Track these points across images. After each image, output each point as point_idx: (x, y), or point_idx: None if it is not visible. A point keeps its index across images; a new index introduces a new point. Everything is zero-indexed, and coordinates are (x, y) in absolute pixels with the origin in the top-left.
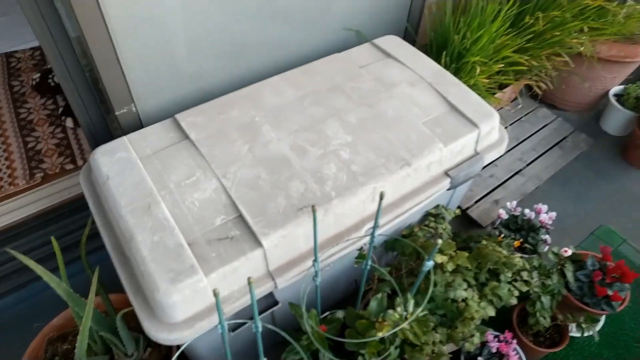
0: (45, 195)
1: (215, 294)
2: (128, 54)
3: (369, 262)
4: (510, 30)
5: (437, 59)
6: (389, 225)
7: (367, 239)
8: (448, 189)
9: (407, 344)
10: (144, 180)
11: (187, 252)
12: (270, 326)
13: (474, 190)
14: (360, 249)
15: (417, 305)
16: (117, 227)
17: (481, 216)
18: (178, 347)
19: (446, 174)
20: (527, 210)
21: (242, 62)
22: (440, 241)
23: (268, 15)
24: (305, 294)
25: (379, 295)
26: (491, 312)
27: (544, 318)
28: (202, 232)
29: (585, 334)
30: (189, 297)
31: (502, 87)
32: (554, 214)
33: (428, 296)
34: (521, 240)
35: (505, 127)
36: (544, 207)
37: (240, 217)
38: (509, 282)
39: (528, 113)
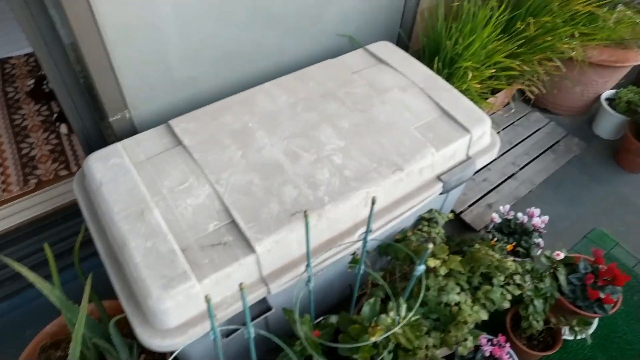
0: (39, 202)
1: (207, 300)
2: (122, 61)
3: (362, 267)
4: (501, 35)
5: (430, 65)
6: (382, 229)
7: (361, 243)
8: (441, 194)
9: (400, 349)
10: (137, 186)
11: (180, 258)
12: (262, 332)
13: (467, 194)
14: (354, 253)
15: (409, 309)
16: (110, 233)
17: (475, 220)
18: (171, 353)
19: (438, 178)
20: (520, 214)
21: (235, 68)
22: (431, 245)
23: (261, 21)
24: (299, 299)
25: (372, 300)
26: (484, 315)
27: (537, 321)
28: (195, 238)
29: (578, 337)
30: (181, 303)
31: (494, 91)
32: (546, 218)
33: (419, 300)
34: (514, 244)
35: (498, 132)
36: (537, 211)
37: (233, 222)
38: (502, 286)
39: (521, 117)
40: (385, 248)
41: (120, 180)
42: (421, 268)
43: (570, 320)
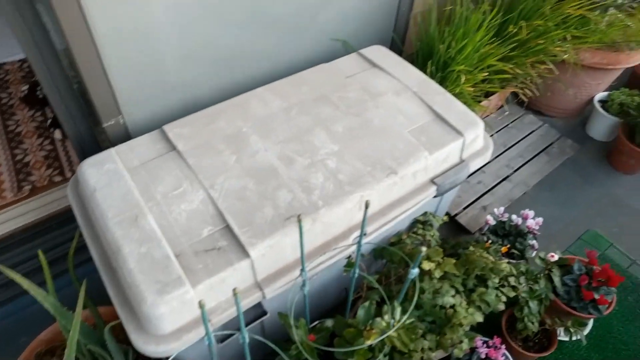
0: (33, 208)
1: (201, 306)
2: (115, 66)
3: (357, 271)
4: (494, 39)
5: (423, 68)
6: (376, 233)
7: (355, 247)
8: (435, 197)
9: (396, 352)
10: (131, 192)
11: (174, 263)
12: (257, 337)
13: (462, 197)
14: (349, 257)
15: (404, 312)
16: (104, 239)
17: (470, 222)
18: (167, 359)
19: (432, 181)
20: (514, 216)
21: (229, 73)
22: (424, 249)
23: (255, 26)
24: (294, 303)
25: (367, 304)
26: (479, 318)
27: (532, 323)
28: (189, 243)
29: (574, 338)
30: (176, 309)
31: (488, 95)
32: (540, 220)
33: (413, 303)
34: (509, 246)
35: (491, 135)
36: (531, 213)
37: (228, 227)
38: (497, 288)
39: (515, 120)
40: (380, 251)
41: (114, 186)
42: (415, 271)
43: (566, 322)
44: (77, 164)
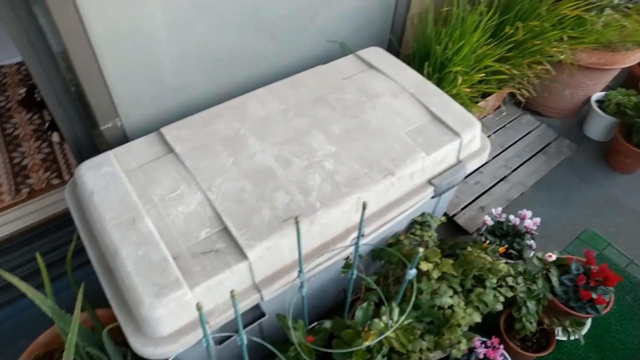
0: (31, 211)
1: (199, 308)
2: (112, 69)
3: (355, 272)
4: (491, 40)
5: (420, 70)
6: (374, 234)
7: (353, 248)
8: (432, 197)
9: (394, 352)
10: (129, 195)
11: (172, 265)
12: (255, 338)
13: (460, 197)
14: (347, 258)
15: (402, 313)
16: (102, 241)
17: (468, 223)
18: None
19: (429, 182)
20: (512, 217)
21: (227, 75)
22: (421, 249)
23: (253, 28)
24: (292, 305)
25: (365, 305)
26: (477, 318)
27: (530, 323)
28: (186, 246)
29: (572, 338)
30: (174, 311)
31: (485, 95)
32: (538, 220)
33: (411, 304)
34: (506, 246)
35: (489, 136)
36: (529, 213)
37: (225, 229)
38: (494, 288)
39: (512, 120)
40: (378, 252)
41: (112, 189)
42: (412, 272)
43: (564, 321)
44: (75, 167)
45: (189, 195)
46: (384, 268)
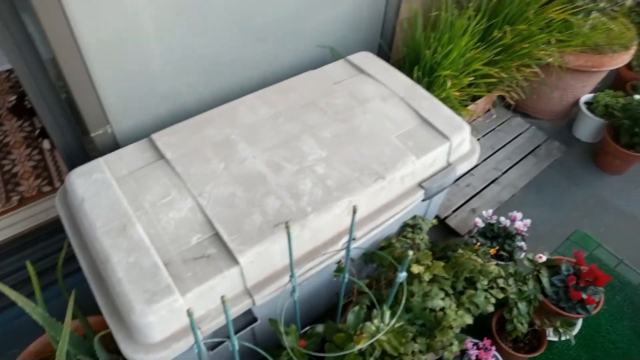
0: (21, 219)
1: (189, 314)
2: (102, 76)
3: (346, 276)
4: (479, 44)
5: (410, 74)
6: (365, 237)
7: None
8: (423, 200)
9: (387, 356)
10: (119, 201)
11: (163, 272)
12: (247, 344)
13: (451, 200)
14: (339, 262)
15: (393, 316)
16: (93, 248)
17: (459, 225)
18: None
19: (420, 185)
20: (502, 218)
21: (217, 81)
22: (411, 252)
23: (243, 34)
24: (283, 309)
25: (356, 308)
26: (469, 320)
27: (522, 324)
28: (178, 252)
29: (563, 338)
30: (165, 318)
31: (475, 98)
32: (528, 221)
33: (401, 307)
34: (497, 248)
35: (478, 139)
36: (519, 215)
37: (217, 235)
38: (486, 290)
39: (502, 123)
40: (370, 256)
41: (103, 196)
42: (402, 275)
43: (554, 322)
44: (66, 174)
45: (179, 201)
46: (376, 271)
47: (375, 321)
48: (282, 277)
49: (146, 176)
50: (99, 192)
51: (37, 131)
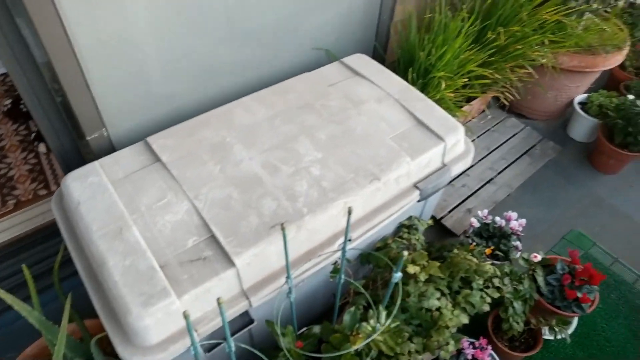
0: (18, 222)
1: (185, 316)
2: (98, 79)
3: (342, 276)
4: (473, 45)
5: (405, 76)
6: (362, 238)
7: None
8: (418, 201)
9: (383, 356)
10: (115, 205)
11: (159, 274)
12: (243, 345)
13: (447, 200)
14: (335, 263)
15: (389, 316)
16: (89, 252)
17: (455, 225)
18: None
19: (415, 186)
20: (497, 218)
21: (213, 83)
22: (406, 253)
23: (239, 36)
24: (280, 311)
25: (352, 309)
26: (465, 319)
27: (517, 323)
28: (174, 254)
29: (559, 337)
30: (161, 320)
31: (470, 99)
32: (523, 221)
33: (397, 307)
34: (493, 247)
35: (473, 140)
36: (514, 215)
37: (213, 237)
38: (481, 289)
39: (497, 123)
40: (366, 256)
41: (98, 199)
42: (398, 275)
43: (550, 321)
44: (62, 177)
45: (176, 203)
46: (372, 272)
47: (371, 321)
48: (278, 278)
49: (142, 179)
50: (94, 196)
51: (33, 135)
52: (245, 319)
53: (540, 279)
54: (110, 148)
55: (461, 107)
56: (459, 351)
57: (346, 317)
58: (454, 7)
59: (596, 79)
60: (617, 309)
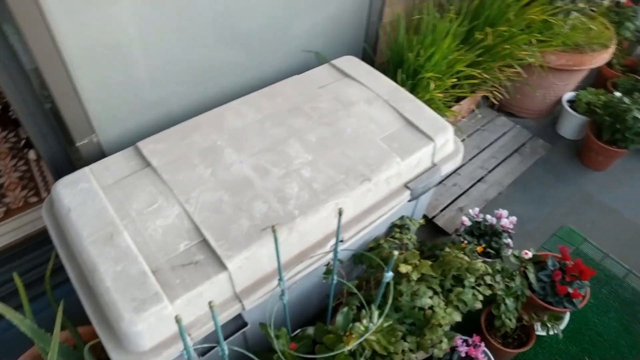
0: (8, 230)
1: (178, 321)
2: (87, 85)
3: (335, 277)
4: (461, 45)
5: (394, 77)
6: (353, 239)
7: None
8: (409, 201)
9: (377, 355)
10: (106, 210)
11: (151, 279)
12: (236, 348)
13: (439, 199)
14: (328, 264)
15: (381, 315)
16: (80, 258)
17: (447, 224)
18: None
19: (406, 186)
20: (488, 216)
21: (203, 87)
22: (396, 252)
23: (227, 40)
24: (273, 313)
25: (345, 309)
26: (457, 317)
27: (510, 319)
28: (165, 259)
29: (551, 332)
30: (154, 325)
31: (459, 99)
32: (514, 219)
33: (388, 306)
34: (484, 245)
35: (463, 140)
36: (505, 212)
37: (204, 241)
38: (473, 287)
39: (487, 122)
40: (359, 257)
41: (89, 205)
42: (389, 275)
43: (542, 317)
44: (53, 184)
45: (166, 208)
46: (365, 272)
47: (364, 321)
48: (271, 281)
49: (132, 184)
50: (85, 202)
51: (23, 142)
52: (238, 322)
53: (531, 276)
54: (100, 154)
55: (450, 107)
56: (453, 349)
57: (339, 318)
58: (441, 8)
59: (584, 77)
60: (608, 303)
